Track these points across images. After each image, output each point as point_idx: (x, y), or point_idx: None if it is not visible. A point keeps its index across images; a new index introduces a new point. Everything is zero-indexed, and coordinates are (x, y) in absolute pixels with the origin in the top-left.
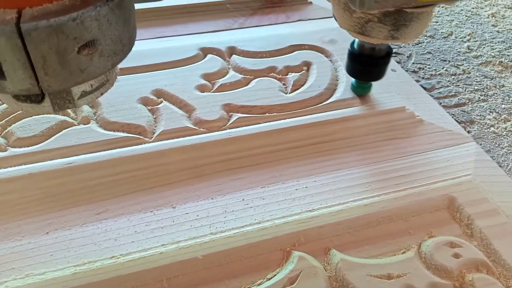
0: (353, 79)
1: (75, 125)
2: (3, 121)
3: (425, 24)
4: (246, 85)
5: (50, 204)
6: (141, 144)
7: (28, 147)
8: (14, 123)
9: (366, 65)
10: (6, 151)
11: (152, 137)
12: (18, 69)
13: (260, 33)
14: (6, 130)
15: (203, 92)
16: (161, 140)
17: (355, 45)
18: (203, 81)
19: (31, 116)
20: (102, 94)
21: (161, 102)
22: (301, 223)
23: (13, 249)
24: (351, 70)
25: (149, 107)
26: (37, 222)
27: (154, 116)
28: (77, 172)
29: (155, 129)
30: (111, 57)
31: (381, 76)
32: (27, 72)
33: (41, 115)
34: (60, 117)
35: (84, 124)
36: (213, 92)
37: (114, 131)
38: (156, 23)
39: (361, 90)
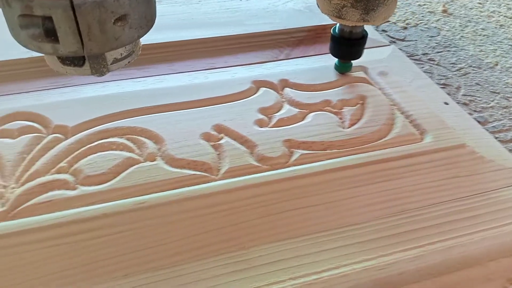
0: (336, 59)
1: (141, 162)
2: (70, 157)
3: (391, 9)
4: (303, 120)
5: (124, 245)
6: (208, 182)
7: (97, 185)
8: (81, 159)
9: (346, 46)
10: (76, 189)
11: (218, 175)
12: (69, 35)
13: (309, 64)
14: (74, 168)
15: (262, 127)
16: (227, 178)
17: (337, 30)
18: (261, 116)
19: (96, 153)
20: (129, 62)
21: (222, 137)
22: (380, 269)
23: None
24: (334, 51)
25: (211, 143)
26: (112, 265)
27: (218, 153)
28: (150, 211)
29: (219, 166)
30: (137, 30)
31: (359, 56)
32: (75, 37)
33: (107, 151)
34: (126, 154)
35: (151, 161)
36: (271, 127)
37: (181, 169)
38: (206, 54)
39: (343, 69)
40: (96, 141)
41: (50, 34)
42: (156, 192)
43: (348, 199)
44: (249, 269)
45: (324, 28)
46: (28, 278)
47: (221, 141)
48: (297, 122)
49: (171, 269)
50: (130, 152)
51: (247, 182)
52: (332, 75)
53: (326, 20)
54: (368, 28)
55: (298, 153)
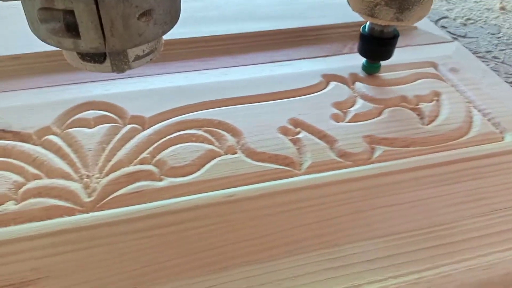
0: (364, 59)
1: (222, 155)
2: (151, 148)
3: (426, 8)
4: (379, 115)
5: (217, 238)
6: (292, 176)
7: (183, 177)
8: (163, 151)
9: (376, 46)
10: (162, 180)
11: (301, 169)
12: (91, 30)
13: None
14: (157, 159)
15: (338, 122)
16: (312, 173)
17: (366, 29)
18: (335, 110)
19: (177, 145)
20: (151, 59)
21: (299, 131)
22: (484, 269)
23: None
24: (363, 51)
25: (289, 137)
26: (208, 257)
27: (297, 147)
28: (239, 204)
29: (301, 161)
30: (162, 26)
31: (389, 56)
32: (97, 33)
33: (188, 143)
34: (207, 146)
35: (232, 154)
36: (348, 122)
37: (263, 162)
38: (268, 47)
39: (371, 70)
40: (174, 133)
41: (71, 29)
42: (242, 185)
43: (435, 197)
44: (345, 266)
45: None
46: (122, 269)
47: (299, 135)
48: (374, 118)
49: (267, 263)
50: (210, 144)
51: (333, 178)
52: (401, 70)
53: None
54: (428, 23)
55: (380, 149)
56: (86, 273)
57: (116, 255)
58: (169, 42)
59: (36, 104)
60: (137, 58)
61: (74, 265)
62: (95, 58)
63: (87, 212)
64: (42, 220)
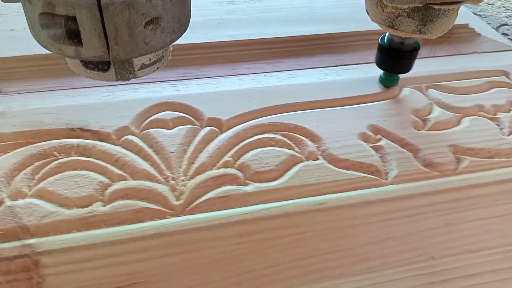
0: (381, 72)
1: (304, 160)
2: (232, 151)
3: (451, 21)
4: (458, 124)
5: (310, 247)
6: (380, 186)
7: (268, 182)
8: (244, 154)
9: (396, 58)
10: (247, 185)
11: (387, 179)
12: (94, 38)
13: (442, 65)
14: (239, 162)
15: (419, 130)
16: (399, 183)
17: (385, 40)
18: (414, 118)
19: (257, 149)
20: (158, 68)
21: (380, 139)
22: None
23: None
24: (380, 63)
25: (370, 144)
26: (302, 267)
27: (380, 155)
28: (330, 213)
29: (386, 169)
30: (170, 34)
31: (408, 69)
32: (101, 40)
33: (268, 147)
34: (288, 151)
35: (314, 160)
36: (429, 130)
37: (347, 169)
38: (334, 50)
39: (389, 82)
40: (252, 136)
41: (73, 36)
42: (329, 193)
43: None
44: (448, 281)
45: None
46: (218, 276)
47: (380, 143)
48: (454, 127)
49: (363, 276)
50: (290, 149)
51: (422, 189)
52: (473, 78)
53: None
54: (490, 29)
55: (466, 160)
56: (183, 279)
57: (212, 261)
58: (237, 43)
59: (109, 102)
60: (143, 67)
61: (169, 271)
62: (99, 66)
63: (177, 216)
64: (133, 223)
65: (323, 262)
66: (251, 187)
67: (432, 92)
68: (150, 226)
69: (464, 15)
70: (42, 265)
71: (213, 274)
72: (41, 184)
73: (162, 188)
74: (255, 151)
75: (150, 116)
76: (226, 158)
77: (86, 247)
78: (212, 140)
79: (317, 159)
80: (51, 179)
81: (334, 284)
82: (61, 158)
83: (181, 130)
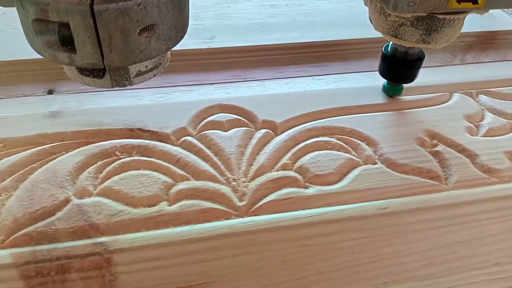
0: (385, 81)
1: (362, 164)
2: (289, 154)
3: (456, 31)
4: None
5: (375, 251)
6: (441, 191)
7: (328, 185)
8: (301, 157)
9: (399, 68)
10: (308, 188)
11: (447, 184)
12: (87, 45)
13: (492, 71)
14: (297, 165)
15: (473, 136)
16: (460, 189)
17: (389, 49)
18: (468, 123)
19: (314, 152)
20: (154, 75)
21: (437, 144)
22: None
23: None
24: (384, 72)
25: (427, 149)
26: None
27: (438, 160)
28: (393, 217)
29: (445, 175)
30: (166, 41)
31: (412, 79)
32: (94, 48)
33: (325, 151)
34: (345, 154)
35: (372, 164)
36: (484, 136)
37: (406, 174)
38: (378, 55)
39: (392, 92)
40: (307, 139)
41: (67, 43)
42: (391, 198)
43: None
44: None
45: (493, 34)
46: (286, 278)
47: (437, 148)
48: (508, 133)
49: (428, 281)
50: (347, 153)
51: (484, 195)
52: None
53: (496, 25)
54: None
55: None
56: (252, 280)
57: (278, 262)
58: (284, 47)
59: (165, 104)
60: (139, 74)
61: (238, 271)
62: (94, 72)
63: (242, 217)
64: (199, 223)
65: (389, 266)
66: (312, 190)
67: (483, 98)
68: (218, 226)
69: (507, 20)
70: (114, 263)
71: (281, 275)
72: (106, 183)
73: (225, 189)
74: (312, 154)
75: (206, 118)
76: (284, 160)
77: (156, 246)
78: (268, 142)
79: (375, 163)
80: (115, 178)
81: None
82: (123, 158)
83: (237, 132)
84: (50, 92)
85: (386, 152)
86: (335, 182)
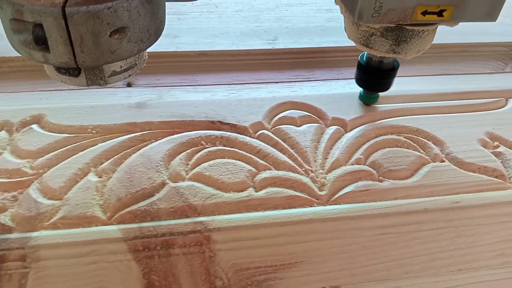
0: (361, 89)
1: (431, 162)
2: (361, 150)
3: (427, 42)
4: None
5: (448, 241)
6: (506, 189)
7: (401, 180)
8: (373, 153)
9: (374, 77)
10: (382, 181)
11: (511, 182)
12: (60, 45)
13: None
14: (370, 160)
15: None
16: None
17: (364, 58)
18: None
19: (384, 148)
20: (129, 75)
21: (498, 145)
22: None
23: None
24: (360, 81)
25: (490, 150)
26: (445, 258)
27: (501, 160)
28: (465, 211)
29: (509, 174)
30: (137, 44)
31: (387, 88)
32: (67, 48)
33: (395, 148)
34: (414, 152)
35: (440, 162)
36: None
37: (473, 172)
38: (431, 60)
39: (368, 100)
40: (377, 137)
41: (41, 42)
42: (461, 193)
43: None
44: None
45: None
46: (367, 262)
47: (499, 149)
48: None
49: (501, 270)
50: (415, 150)
51: None
52: None
53: None
54: None
55: None
56: (336, 262)
57: (360, 248)
58: (343, 49)
59: (240, 99)
60: (114, 73)
61: (324, 253)
62: (70, 71)
63: (324, 205)
64: (285, 208)
65: (462, 255)
66: (387, 183)
67: None
68: (303, 212)
69: None
70: (213, 240)
71: (363, 260)
72: (197, 169)
73: (305, 179)
74: (383, 150)
75: (278, 114)
76: (357, 155)
77: (249, 227)
78: (339, 138)
79: (443, 161)
80: (205, 165)
81: (476, 276)
82: (208, 147)
83: (309, 127)
84: (129, 85)
85: (452, 151)
86: (408, 177)
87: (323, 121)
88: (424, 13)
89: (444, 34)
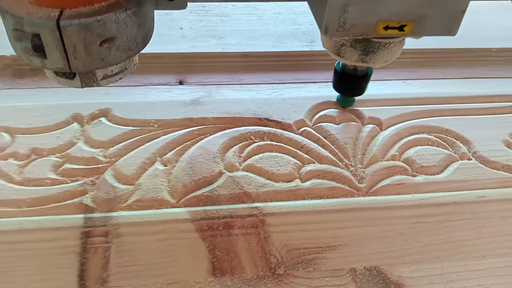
0: (338, 93)
1: (458, 160)
2: (396, 147)
3: (394, 52)
4: None
5: (470, 231)
6: None
7: (433, 175)
8: (407, 150)
9: (349, 83)
10: (415, 176)
11: None
12: (55, 52)
13: None
14: (404, 157)
15: None
16: None
17: (340, 65)
18: None
19: (417, 146)
20: (120, 78)
21: None
22: None
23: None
24: (336, 86)
25: None
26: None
27: None
28: (490, 205)
29: None
30: (126, 51)
31: (362, 93)
32: (61, 55)
33: (426, 146)
34: (443, 150)
35: (467, 160)
36: None
37: (498, 170)
38: (456, 63)
39: (345, 103)
40: (410, 135)
41: (39, 50)
42: (486, 189)
43: None
44: None
45: None
46: (403, 247)
47: None
48: None
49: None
50: (445, 149)
51: None
52: None
53: None
54: None
55: None
56: (374, 246)
57: (395, 234)
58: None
59: (283, 98)
60: (106, 77)
61: (364, 238)
62: (66, 74)
63: (363, 196)
64: (329, 198)
65: (487, 243)
66: (420, 178)
67: None
68: (346, 202)
69: None
70: (267, 224)
71: (398, 244)
72: (249, 161)
73: (346, 173)
74: (416, 148)
75: (319, 112)
76: (392, 152)
77: (298, 213)
78: (375, 136)
79: (470, 159)
80: (255, 157)
81: (499, 261)
82: (257, 142)
83: (347, 125)
84: (181, 82)
85: (478, 150)
86: (438, 173)
87: (360, 120)
88: (386, 28)
89: (472, 39)
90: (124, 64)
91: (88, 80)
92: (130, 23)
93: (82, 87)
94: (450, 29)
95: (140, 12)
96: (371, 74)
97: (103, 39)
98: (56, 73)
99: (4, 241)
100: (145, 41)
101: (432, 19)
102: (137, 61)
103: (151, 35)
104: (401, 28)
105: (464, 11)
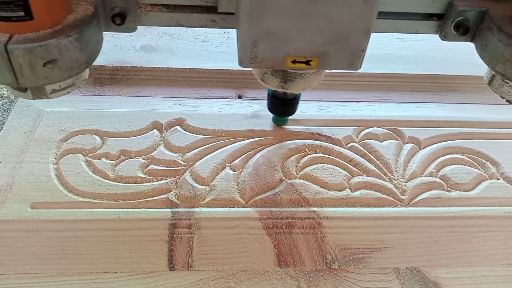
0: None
1: (488, 179)
2: (433, 164)
3: (311, 81)
4: None
5: (497, 242)
6: None
7: (465, 191)
8: (442, 168)
9: (280, 105)
10: (450, 192)
11: None
12: (5, 71)
13: None
14: (441, 174)
15: None
16: None
17: (272, 90)
18: None
19: (451, 165)
20: (68, 92)
21: None
22: None
23: None
24: (270, 107)
25: None
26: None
27: None
28: None
29: None
30: (68, 71)
31: (292, 113)
32: (10, 73)
33: (459, 165)
34: (475, 170)
35: (496, 179)
36: None
37: None
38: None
39: (279, 122)
40: (445, 155)
41: None
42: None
43: None
44: None
45: None
46: (438, 252)
47: None
48: None
49: None
50: (476, 168)
51: None
52: None
53: None
54: None
55: None
56: (414, 250)
57: (433, 241)
58: (416, 76)
59: (331, 115)
60: (54, 91)
61: (406, 242)
62: (19, 88)
63: (405, 206)
64: (375, 207)
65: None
66: (455, 194)
67: None
68: (390, 211)
69: None
70: (323, 226)
71: (435, 250)
72: (305, 170)
73: (389, 185)
74: (450, 166)
75: (364, 130)
76: (430, 169)
77: (349, 219)
78: (415, 154)
79: (499, 179)
80: (310, 167)
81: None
82: (311, 154)
83: (390, 143)
84: (240, 97)
85: (506, 172)
86: (470, 190)
87: (401, 139)
88: (294, 62)
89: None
90: (72, 80)
91: (38, 93)
92: (71, 47)
93: (34, 99)
94: (353, 64)
95: (82, 38)
96: (299, 98)
97: (46, 61)
98: (12, 86)
99: (106, 228)
100: (89, 62)
101: (335, 56)
102: (87, 77)
103: (96, 55)
104: (307, 63)
105: (363, 50)
